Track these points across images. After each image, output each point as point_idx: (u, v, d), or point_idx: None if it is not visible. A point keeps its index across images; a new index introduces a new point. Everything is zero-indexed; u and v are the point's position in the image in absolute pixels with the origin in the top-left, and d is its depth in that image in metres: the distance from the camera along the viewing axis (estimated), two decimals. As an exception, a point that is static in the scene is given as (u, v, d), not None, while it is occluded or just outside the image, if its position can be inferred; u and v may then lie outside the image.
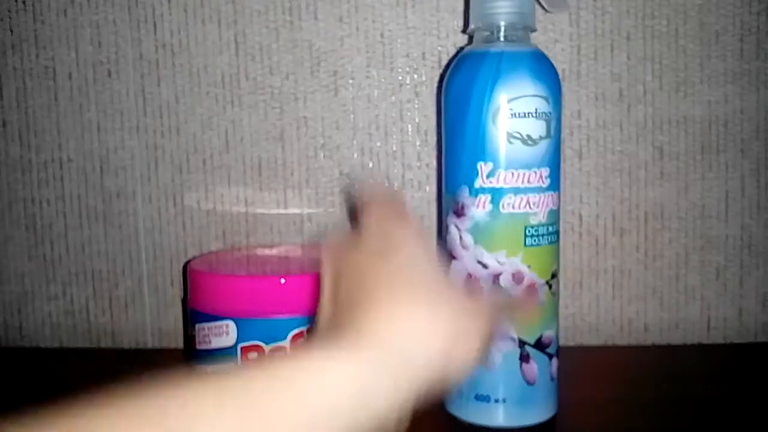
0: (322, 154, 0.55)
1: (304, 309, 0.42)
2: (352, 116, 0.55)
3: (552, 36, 0.54)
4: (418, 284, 0.32)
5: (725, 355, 0.53)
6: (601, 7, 0.54)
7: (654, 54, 0.54)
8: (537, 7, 0.43)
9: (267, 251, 0.51)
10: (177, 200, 0.56)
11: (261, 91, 0.55)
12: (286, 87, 0.55)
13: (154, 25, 0.55)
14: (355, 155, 0.55)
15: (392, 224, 0.34)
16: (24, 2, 0.55)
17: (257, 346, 0.41)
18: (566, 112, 0.54)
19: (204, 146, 0.56)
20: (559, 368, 0.41)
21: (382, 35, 0.54)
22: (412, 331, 0.30)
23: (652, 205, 0.55)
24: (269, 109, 0.55)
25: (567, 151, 0.55)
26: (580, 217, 0.55)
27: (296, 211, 0.56)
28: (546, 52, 0.54)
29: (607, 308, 0.56)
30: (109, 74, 0.55)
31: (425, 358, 0.29)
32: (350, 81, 0.55)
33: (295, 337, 0.41)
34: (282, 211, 0.56)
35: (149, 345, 0.57)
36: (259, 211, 0.56)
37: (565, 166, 0.55)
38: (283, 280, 0.42)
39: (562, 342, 0.56)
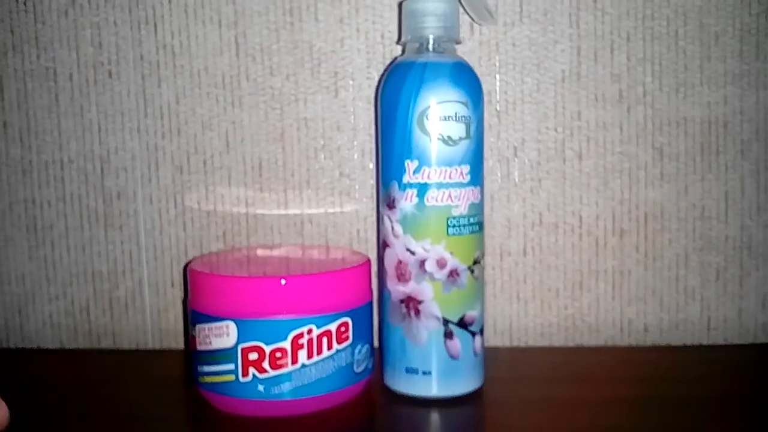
0: (322, 155, 0.55)
1: (305, 309, 0.42)
2: (352, 117, 0.55)
3: (552, 37, 0.54)
4: None
5: (725, 355, 0.53)
6: (601, 9, 0.54)
7: (654, 55, 0.54)
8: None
9: (267, 252, 0.51)
10: (177, 201, 0.56)
11: (261, 92, 0.55)
12: (286, 88, 0.55)
13: (155, 26, 0.55)
14: (356, 156, 0.55)
15: None
16: (25, 3, 0.55)
17: (258, 346, 0.41)
18: (566, 113, 0.55)
19: (204, 147, 0.56)
20: (483, 345, 0.46)
21: (382, 36, 0.54)
22: None
23: (652, 206, 0.55)
24: (270, 110, 0.55)
25: (567, 152, 0.55)
26: (580, 217, 0.55)
27: (297, 211, 0.56)
28: (546, 53, 0.54)
29: (607, 309, 0.56)
30: (110, 75, 0.56)
31: None
32: (351, 82, 0.55)
33: (295, 337, 0.41)
34: (282, 211, 0.56)
35: (149, 346, 0.57)
36: (259, 211, 0.56)
37: (566, 167, 0.55)
38: (283, 281, 0.42)
39: (561, 342, 0.56)
